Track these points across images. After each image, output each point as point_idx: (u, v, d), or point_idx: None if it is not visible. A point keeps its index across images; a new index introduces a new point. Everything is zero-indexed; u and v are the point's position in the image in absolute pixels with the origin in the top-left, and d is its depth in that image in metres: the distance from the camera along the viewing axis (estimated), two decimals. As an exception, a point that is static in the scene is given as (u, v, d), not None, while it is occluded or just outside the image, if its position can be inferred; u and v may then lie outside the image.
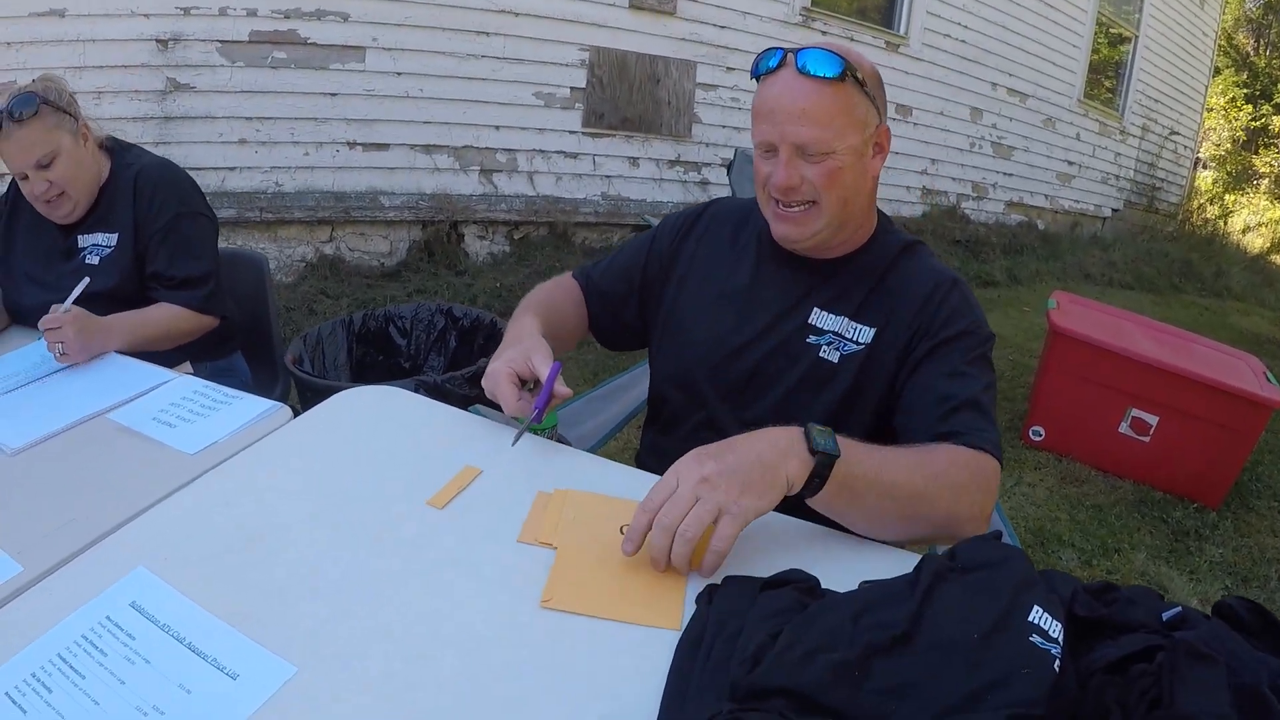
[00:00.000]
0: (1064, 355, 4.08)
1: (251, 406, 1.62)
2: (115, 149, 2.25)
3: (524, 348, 1.46)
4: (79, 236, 2.17)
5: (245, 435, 1.52)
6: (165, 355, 2.08)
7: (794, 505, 1.20)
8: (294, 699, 0.94)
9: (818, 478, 1.14)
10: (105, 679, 0.96)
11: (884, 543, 1.27)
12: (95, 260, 2.15)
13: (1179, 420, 3.85)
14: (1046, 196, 9.75)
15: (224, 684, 0.95)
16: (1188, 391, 3.80)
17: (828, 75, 1.40)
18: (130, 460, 1.48)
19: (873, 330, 1.52)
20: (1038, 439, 4.24)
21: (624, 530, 1.17)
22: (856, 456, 1.17)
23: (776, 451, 1.13)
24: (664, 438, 1.75)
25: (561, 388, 1.43)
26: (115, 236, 2.16)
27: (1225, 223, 13.34)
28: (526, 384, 1.44)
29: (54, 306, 1.85)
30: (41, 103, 2.00)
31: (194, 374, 1.90)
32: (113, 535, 1.22)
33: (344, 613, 1.06)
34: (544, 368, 1.42)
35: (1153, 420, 3.91)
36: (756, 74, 1.49)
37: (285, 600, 1.08)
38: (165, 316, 2.14)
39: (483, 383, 1.46)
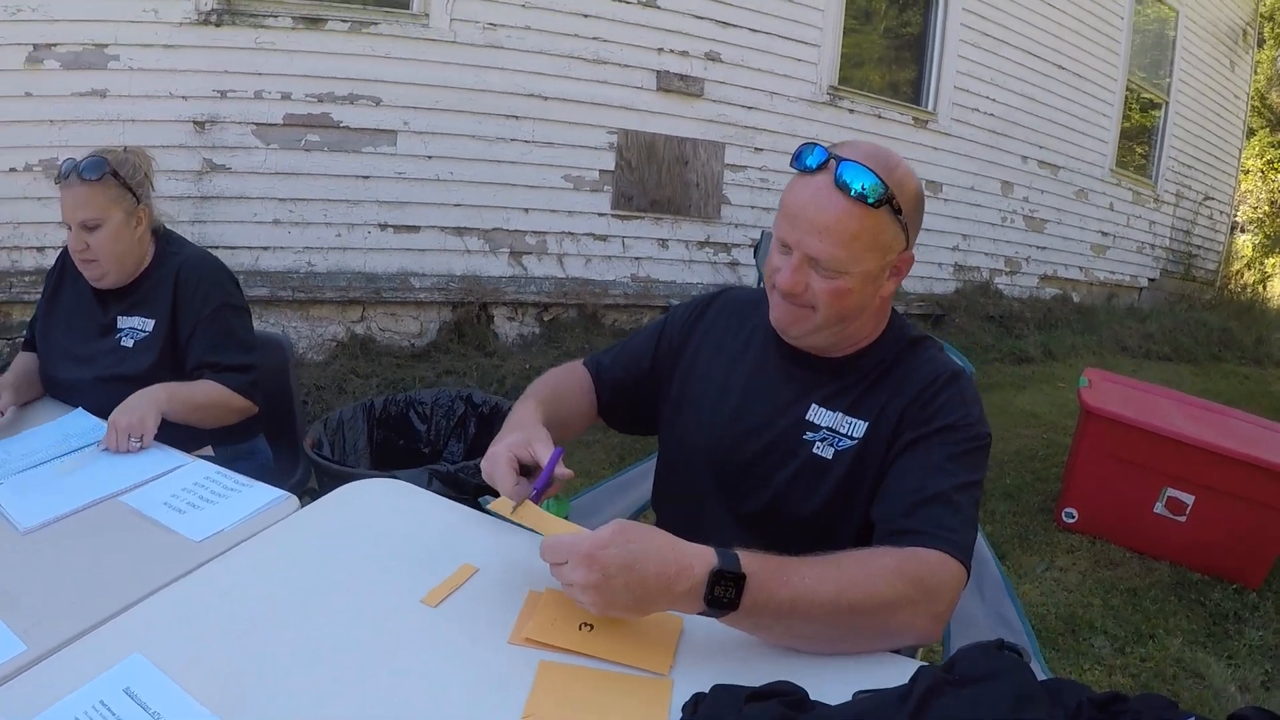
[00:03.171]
0: (1096, 435, 4.01)
1: (260, 495, 1.66)
2: (163, 236, 2.32)
3: (526, 433, 1.46)
4: (119, 317, 2.22)
5: (252, 524, 1.56)
6: (188, 437, 2.12)
7: None
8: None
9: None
10: (96, 762, 0.99)
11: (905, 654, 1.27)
12: (129, 343, 2.20)
13: (1216, 499, 3.76)
14: (1081, 269, 9.69)
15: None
16: (1224, 468, 3.71)
17: (863, 198, 1.36)
18: (138, 544, 1.52)
19: (865, 424, 1.51)
20: (1070, 521, 4.16)
21: (582, 626, 1.24)
22: (765, 594, 1.17)
23: (666, 597, 1.15)
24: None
25: (562, 470, 1.43)
26: (152, 323, 2.21)
27: (1265, 287, 13.18)
28: (527, 468, 1.43)
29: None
30: (109, 173, 2.12)
31: (214, 457, 1.93)
32: (114, 620, 1.26)
33: (330, 712, 1.08)
34: (545, 452, 1.41)
35: (1189, 500, 3.82)
36: (794, 165, 1.45)
37: (273, 694, 1.11)
38: (213, 394, 2.18)
39: (481, 464, 1.46)
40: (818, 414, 1.54)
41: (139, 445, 1.87)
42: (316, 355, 5.45)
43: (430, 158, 5.65)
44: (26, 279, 4.64)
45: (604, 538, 1.15)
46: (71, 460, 1.83)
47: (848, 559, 1.26)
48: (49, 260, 2.30)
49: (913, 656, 1.54)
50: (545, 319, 6.30)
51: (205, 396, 2.16)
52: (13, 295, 4.61)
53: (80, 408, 2.03)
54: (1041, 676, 1.67)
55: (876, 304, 1.51)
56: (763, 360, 1.64)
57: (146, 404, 1.94)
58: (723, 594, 1.14)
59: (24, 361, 2.33)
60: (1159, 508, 3.89)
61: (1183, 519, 3.85)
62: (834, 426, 1.52)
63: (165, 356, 2.22)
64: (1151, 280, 10.72)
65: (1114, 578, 3.77)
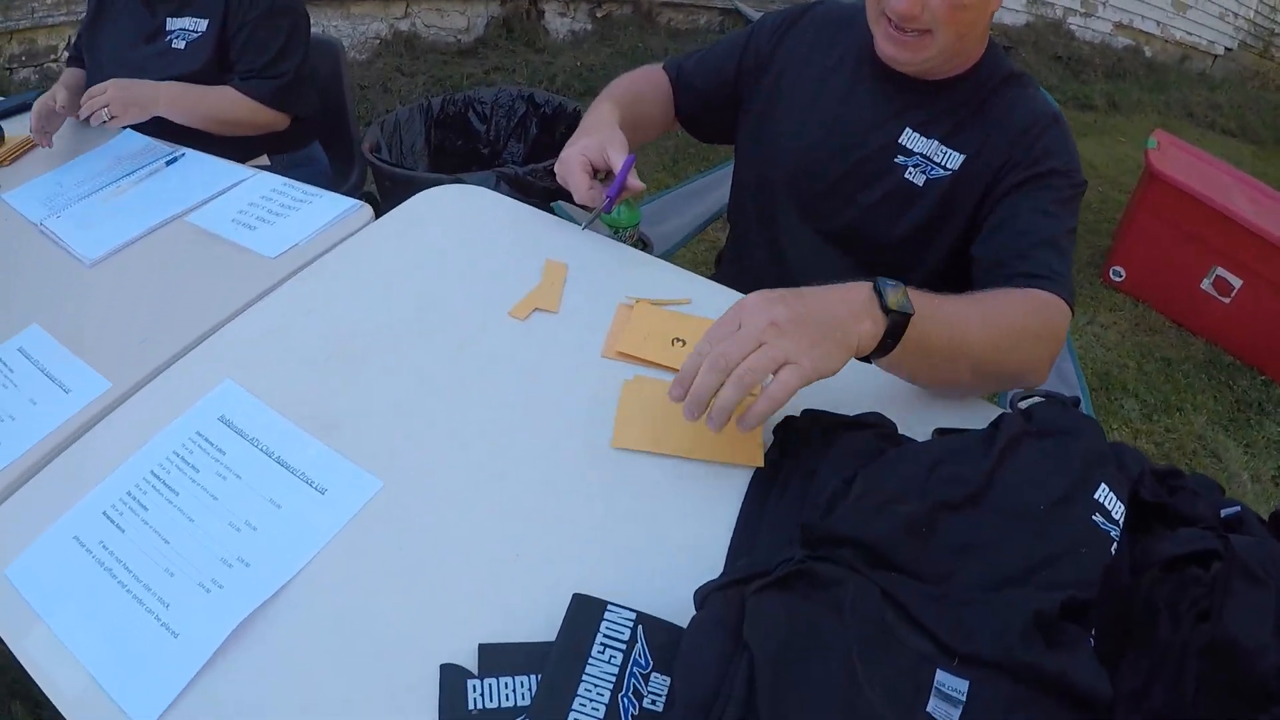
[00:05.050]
0: (1157, 200, 3.92)
1: (331, 206, 1.59)
2: None
3: (600, 137, 1.42)
4: (167, 19, 2.12)
5: (326, 237, 1.51)
6: (242, 147, 2.07)
7: None
8: (381, 514, 0.98)
9: (890, 338, 1.04)
10: (198, 495, 1.00)
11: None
12: (181, 45, 2.11)
13: (1263, 288, 3.71)
14: (1158, 23, 9.16)
15: (313, 499, 0.98)
16: (1277, 260, 3.65)
17: None
18: (211, 266, 1.48)
19: (962, 157, 1.46)
20: (1118, 279, 4.14)
21: (675, 342, 1.21)
22: (929, 314, 1.07)
23: (849, 310, 1.02)
24: (737, 252, 1.77)
25: (634, 181, 1.41)
26: (205, 22, 2.11)
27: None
28: (599, 174, 1.42)
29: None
30: None
31: (270, 166, 1.89)
32: (198, 347, 1.24)
33: (427, 427, 1.09)
34: (618, 159, 1.39)
35: (1237, 283, 3.77)
36: None
37: (369, 412, 1.11)
38: (224, 98, 2.10)
39: (555, 168, 1.44)
40: (912, 139, 1.49)
41: (105, 119, 1.83)
42: (359, 54, 5.28)
43: None
44: (49, 2, 4.38)
45: (754, 294, 1.04)
46: (128, 183, 1.76)
47: (986, 296, 1.24)
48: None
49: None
50: (598, 15, 6.06)
51: (219, 108, 2.09)
52: (36, 20, 4.37)
53: (128, 129, 1.94)
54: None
55: (987, 17, 1.43)
56: (855, 79, 1.57)
57: (147, 95, 1.90)
58: (898, 299, 1.04)
59: (73, 75, 2.22)
60: (1206, 284, 3.86)
61: (1227, 300, 3.82)
62: (928, 154, 1.48)
63: (218, 59, 2.13)
64: (1228, 50, 10.15)
65: (1151, 343, 3.80)
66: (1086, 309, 3.93)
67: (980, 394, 1.26)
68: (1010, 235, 1.37)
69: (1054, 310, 1.25)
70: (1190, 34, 9.59)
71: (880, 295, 1.04)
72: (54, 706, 0.83)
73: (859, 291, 1.05)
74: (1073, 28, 8.40)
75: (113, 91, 1.83)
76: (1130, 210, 4.22)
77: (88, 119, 1.87)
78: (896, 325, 1.04)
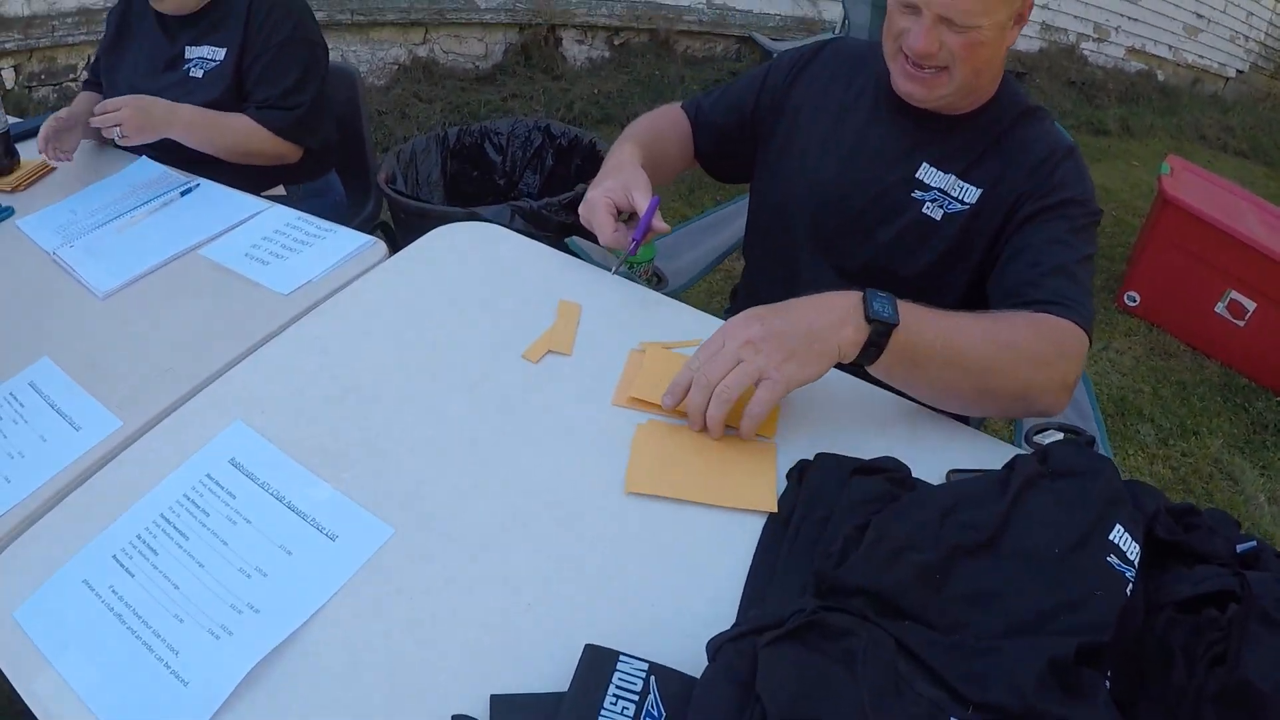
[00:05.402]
0: (1170, 225, 3.91)
1: (345, 241, 1.59)
2: None
3: (624, 179, 1.43)
4: (187, 47, 2.12)
5: (340, 274, 1.51)
6: (258, 176, 2.08)
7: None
8: (392, 561, 0.97)
9: (874, 346, 1.10)
10: (208, 540, 0.99)
11: (974, 427, 1.25)
12: (199, 74, 2.11)
13: (1276, 310, 3.69)
14: (1170, 47, 9.15)
15: (324, 545, 0.97)
16: (1290, 284, 3.63)
17: None
18: (224, 302, 1.47)
19: (979, 191, 1.47)
20: (1132, 304, 4.12)
21: None
22: (919, 324, 1.12)
23: (829, 319, 1.09)
24: (752, 288, 1.77)
25: (659, 223, 1.42)
26: (223, 51, 2.11)
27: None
28: (623, 215, 1.42)
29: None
30: None
31: (286, 195, 1.88)
32: (210, 387, 1.23)
33: (440, 473, 1.08)
34: (643, 201, 1.40)
35: (1251, 306, 3.75)
36: None
37: (381, 457, 1.10)
38: (240, 127, 2.09)
39: (579, 210, 1.44)
40: (929, 174, 1.50)
41: (117, 137, 1.83)
42: (377, 80, 5.31)
43: None
44: (69, 20, 4.41)
45: (740, 314, 1.13)
46: (142, 213, 1.75)
47: (990, 315, 1.24)
48: (91, 0, 2.18)
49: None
50: (615, 43, 6.08)
51: (234, 137, 2.07)
52: (56, 39, 4.39)
53: (144, 156, 1.95)
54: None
55: (1003, 52, 1.45)
56: (872, 115, 1.58)
57: (163, 118, 1.89)
58: (882, 308, 1.09)
59: (86, 100, 2.18)
60: (1220, 308, 3.84)
61: (1241, 323, 3.80)
62: (945, 189, 1.49)
63: (235, 88, 2.13)
64: (1239, 73, 10.15)
65: (1166, 368, 3.77)
66: (1101, 334, 3.90)
67: (995, 417, 1.26)
68: (1023, 265, 1.38)
69: (1064, 334, 1.25)
70: (1202, 57, 9.59)
71: (866, 304, 1.10)
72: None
73: (844, 299, 1.12)
74: (1086, 53, 8.42)
75: (128, 111, 1.82)
76: (1144, 236, 4.22)
77: (104, 138, 1.87)
78: (879, 333, 1.09)
